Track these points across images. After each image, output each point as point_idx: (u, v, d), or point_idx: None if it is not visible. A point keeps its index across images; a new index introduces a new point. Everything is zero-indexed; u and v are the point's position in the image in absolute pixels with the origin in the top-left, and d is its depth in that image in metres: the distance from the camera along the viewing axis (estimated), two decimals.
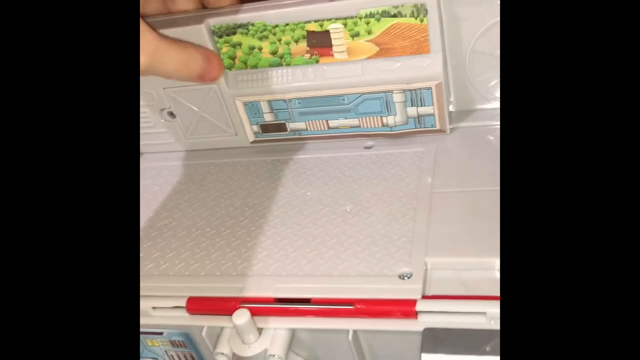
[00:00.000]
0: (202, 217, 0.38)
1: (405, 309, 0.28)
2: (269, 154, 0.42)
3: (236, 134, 0.42)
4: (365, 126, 0.39)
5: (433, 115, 0.38)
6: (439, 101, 0.37)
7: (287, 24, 0.37)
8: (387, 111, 0.38)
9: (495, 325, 0.27)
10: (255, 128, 0.42)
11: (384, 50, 0.36)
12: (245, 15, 0.37)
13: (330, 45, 0.37)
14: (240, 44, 0.38)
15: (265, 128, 0.41)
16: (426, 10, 0.34)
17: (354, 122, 0.39)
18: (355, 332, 0.30)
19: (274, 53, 0.38)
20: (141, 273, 0.34)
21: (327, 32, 0.36)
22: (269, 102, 0.40)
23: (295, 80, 0.38)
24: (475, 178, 0.35)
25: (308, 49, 0.37)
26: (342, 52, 0.37)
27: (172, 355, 0.35)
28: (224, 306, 0.31)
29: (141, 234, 0.37)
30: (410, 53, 0.36)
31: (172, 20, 0.38)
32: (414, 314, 0.28)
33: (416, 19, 0.35)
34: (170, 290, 0.33)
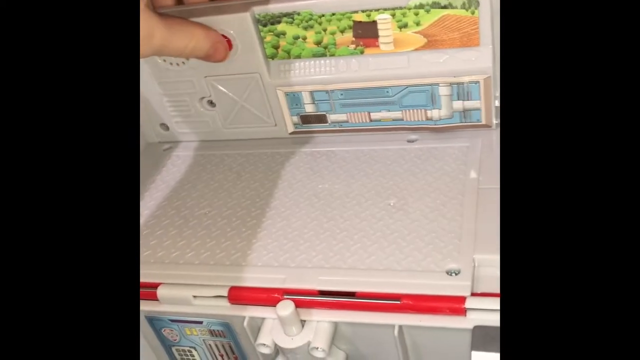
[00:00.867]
0: (242, 207, 0.37)
1: (454, 305, 0.28)
2: (309, 145, 0.41)
3: (275, 125, 0.42)
4: (408, 119, 0.39)
5: (479, 109, 0.37)
6: (487, 96, 0.36)
7: (333, 14, 0.36)
8: (432, 104, 0.38)
9: None
10: (295, 119, 0.41)
11: (432, 42, 0.36)
12: (291, 4, 0.36)
13: (376, 36, 0.36)
14: (284, 33, 0.38)
15: (306, 119, 0.41)
16: (478, 2, 0.33)
17: (397, 114, 0.39)
18: (400, 327, 0.29)
19: (318, 43, 0.37)
20: (181, 261, 0.34)
21: (374, 22, 0.36)
22: (311, 92, 0.39)
23: (338, 71, 0.38)
24: None
25: (353, 39, 0.37)
26: (389, 43, 0.36)
27: (210, 345, 0.35)
28: (267, 297, 0.31)
29: (180, 221, 0.37)
30: (459, 46, 0.35)
31: (216, 7, 0.38)
32: (462, 311, 0.28)
33: (467, 10, 0.34)
34: (212, 279, 0.32)
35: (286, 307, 0.29)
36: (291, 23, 0.37)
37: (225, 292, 0.32)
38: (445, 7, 0.34)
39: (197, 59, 0.37)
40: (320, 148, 0.41)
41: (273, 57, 0.39)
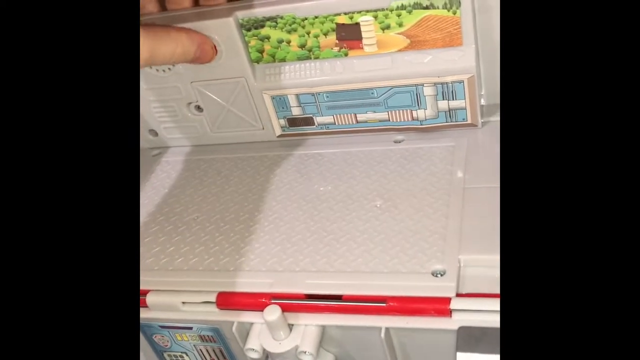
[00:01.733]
0: (230, 212, 0.37)
1: (439, 307, 0.28)
2: (296, 148, 0.41)
3: (263, 128, 0.42)
4: (394, 120, 0.39)
5: (465, 109, 0.37)
6: (471, 95, 0.36)
7: (316, 17, 0.36)
8: (418, 105, 0.38)
9: None
10: (283, 122, 0.41)
11: (415, 42, 0.36)
12: (274, 8, 0.36)
13: (360, 38, 0.36)
14: (268, 37, 0.38)
15: (293, 122, 0.41)
16: (459, 1, 0.33)
17: (383, 115, 0.39)
18: (387, 329, 0.29)
19: (302, 46, 0.38)
20: (170, 267, 0.34)
21: (357, 24, 0.36)
22: (297, 95, 0.39)
23: (323, 74, 0.38)
24: None
25: (337, 41, 0.37)
26: (372, 44, 0.36)
27: (201, 350, 0.35)
28: (254, 302, 0.31)
29: (169, 227, 0.37)
30: (442, 46, 0.35)
31: (199, 13, 0.38)
32: (448, 312, 0.28)
33: (449, 10, 0.34)
34: (200, 285, 0.33)
35: (273, 312, 0.29)
36: (275, 27, 0.37)
37: (213, 298, 0.32)
38: (427, 7, 0.34)
39: (187, 62, 0.37)
40: (307, 150, 0.41)
41: (258, 61, 0.39)
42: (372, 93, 0.38)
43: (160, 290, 0.33)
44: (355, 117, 0.40)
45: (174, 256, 0.35)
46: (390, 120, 0.39)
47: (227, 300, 0.31)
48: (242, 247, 0.34)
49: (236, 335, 0.32)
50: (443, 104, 0.37)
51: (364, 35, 0.36)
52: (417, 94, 0.37)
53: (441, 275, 0.29)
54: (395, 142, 0.39)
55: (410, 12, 0.35)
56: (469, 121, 0.38)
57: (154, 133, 0.45)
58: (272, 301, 0.30)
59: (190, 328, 0.34)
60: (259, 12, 0.37)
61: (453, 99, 0.37)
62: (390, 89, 0.37)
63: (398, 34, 0.35)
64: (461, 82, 0.36)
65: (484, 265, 0.29)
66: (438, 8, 0.34)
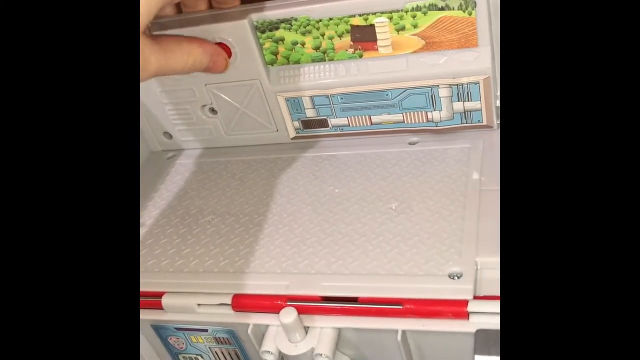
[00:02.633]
0: (245, 214, 0.37)
1: (456, 309, 0.28)
2: (311, 150, 0.41)
3: (277, 130, 0.42)
4: (409, 122, 0.39)
5: (480, 110, 0.37)
6: (487, 96, 0.36)
7: (330, 18, 0.36)
8: (433, 106, 0.37)
9: None
10: (297, 124, 0.41)
11: (430, 44, 0.35)
12: (288, 10, 0.36)
13: (374, 40, 0.36)
14: (282, 39, 0.38)
15: (307, 124, 0.41)
16: (475, 2, 0.33)
17: (398, 117, 0.39)
18: (404, 332, 0.29)
19: (317, 48, 0.37)
20: (186, 269, 0.34)
21: (372, 26, 0.36)
22: (311, 97, 0.39)
23: (338, 76, 0.38)
24: None
25: (352, 43, 0.37)
26: (387, 46, 0.36)
27: (216, 352, 0.35)
28: (270, 304, 0.31)
29: (184, 230, 0.37)
30: (458, 47, 0.35)
31: (214, 15, 0.38)
32: (465, 315, 0.28)
33: (464, 11, 0.34)
34: (215, 287, 0.33)
35: (289, 314, 0.29)
36: (289, 29, 0.37)
37: (229, 300, 0.32)
38: (442, 8, 0.34)
39: (199, 72, 0.37)
40: (322, 152, 0.41)
41: (272, 63, 0.39)
42: (387, 95, 0.38)
43: (175, 292, 0.33)
44: (370, 119, 0.39)
45: (189, 258, 0.35)
46: (405, 122, 0.39)
47: (243, 303, 0.31)
48: (257, 249, 0.34)
49: (252, 338, 0.32)
50: (458, 106, 0.37)
51: (378, 36, 0.36)
52: (432, 96, 0.37)
53: (458, 277, 0.29)
54: (410, 143, 0.39)
55: (425, 13, 0.34)
56: (485, 123, 0.37)
57: (169, 135, 0.45)
58: (288, 303, 0.30)
59: (206, 330, 0.34)
60: (274, 14, 0.37)
61: (468, 100, 0.37)
62: (405, 91, 0.37)
63: (413, 35, 0.35)
64: (477, 83, 0.36)
65: None
66: (453, 9, 0.34)
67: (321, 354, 0.29)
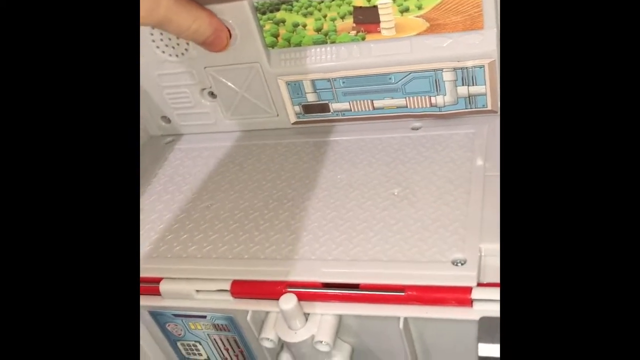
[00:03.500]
0: (245, 199, 0.37)
1: (460, 296, 0.27)
2: (311, 135, 0.41)
3: (278, 115, 0.41)
4: (412, 106, 0.38)
5: (485, 95, 0.36)
6: (492, 80, 0.35)
7: (332, 0, 0.35)
8: (436, 91, 0.37)
9: None
10: (298, 109, 0.40)
11: (435, 26, 0.35)
12: None
13: (377, 22, 0.35)
14: (283, 21, 0.37)
15: (308, 109, 0.40)
16: None
17: (401, 102, 0.38)
18: (406, 319, 0.28)
19: (318, 30, 0.37)
20: (184, 255, 0.34)
21: (375, 7, 0.35)
22: (312, 81, 0.39)
23: (340, 59, 0.37)
24: None
25: (354, 25, 0.36)
26: (390, 28, 0.35)
27: (214, 339, 0.34)
28: (269, 290, 0.30)
29: (182, 215, 0.37)
30: (463, 29, 0.34)
31: None
32: (469, 302, 0.27)
33: None
34: (214, 273, 0.32)
35: (289, 301, 0.29)
36: (290, 10, 0.36)
37: (227, 286, 0.31)
38: None
39: (196, 43, 0.36)
40: (323, 138, 0.40)
41: (273, 45, 0.38)
42: (390, 78, 0.37)
43: (173, 278, 0.32)
44: (372, 104, 0.39)
45: (187, 244, 0.34)
46: (408, 106, 0.38)
47: (242, 289, 0.31)
48: (257, 235, 0.34)
49: (251, 325, 0.31)
50: (463, 90, 0.36)
51: (381, 18, 0.35)
52: (436, 80, 0.36)
53: (462, 264, 0.28)
54: (413, 129, 0.38)
55: None
56: (490, 108, 0.37)
57: (167, 120, 0.44)
58: (288, 290, 0.30)
59: (204, 317, 0.33)
60: None
61: (473, 85, 0.36)
62: (409, 74, 0.36)
63: (417, 17, 0.34)
64: (482, 67, 0.35)
65: None
66: None
67: (322, 341, 0.29)
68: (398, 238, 0.31)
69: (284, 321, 0.30)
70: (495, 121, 0.37)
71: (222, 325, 0.33)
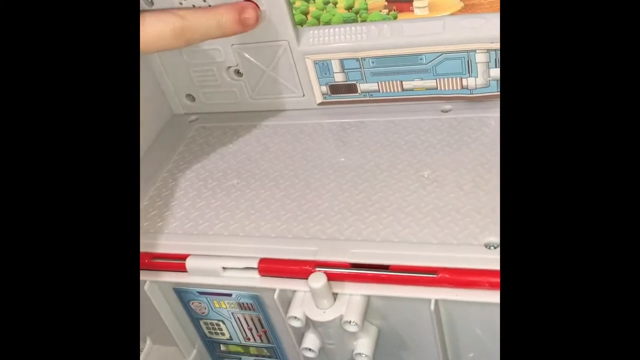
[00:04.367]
0: (270, 179, 0.36)
1: (493, 280, 0.27)
2: (338, 116, 0.40)
3: (304, 95, 0.41)
4: (442, 88, 0.37)
5: None
6: None
7: None
8: (468, 72, 0.36)
9: None
10: (324, 89, 0.40)
11: (470, 6, 0.34)
12: None
13: (410, 0, 0.35)
14: None
15: (335, 89, 0.40)
16: None
17: (431, 83, 0.37)
18: (437, 302, 0.28)
19: (349, 8, 0.36)
20: (210, 232, 0.34)
21: None
22: (341, 61, 0.38)
23: (370, 38, 0.36)
24: None
25: (386, 4, 0.35)
26: (424, 7, 0.35)
27: (238, 318, 0.34)
28: (298, 269, 0.30)
29: (208, 193, 0.37)
30: (498, 10, 0.34)
31: None
32: None
33: None
34: (241, 250, 0.32)
35: (318, 279, 0.28)
36: None
37: (255, 264, 0.31)
38: None
39: (231, 32, 0.35)
40: (349, 119, 0.40)
41: (302, 23, 0.37)
42: (421, 59, 0.36)
43: (200, 254, 0.32)
44: (401, 85, 0.38)
45: (213, 221, 0.34)
46: (439, 88, 0.37)
47: (270, 267, 0.31)
48: (284, 214, 0.33)
49: (277, 303, 0.31)
50: (495, 72, 0.36)
51: None
52: (468, 61, 0.36)
53: (495, 247, 0.28)
54: (443, 111, 0.38)
55: None
56: None
57: (192, 98, 0.44)
58: (317, 269, 0.29)
59: (230, 295, 0.33)
60: None
61: None
62: (440, 55, 0.36)
63: None
64: None
65: None
66: None
67: (350, 321, 0.28)
68: (429, 220, 0.30)
69: (312, 300, 0.29)
70: None
71: (247, 304, 0.33)
